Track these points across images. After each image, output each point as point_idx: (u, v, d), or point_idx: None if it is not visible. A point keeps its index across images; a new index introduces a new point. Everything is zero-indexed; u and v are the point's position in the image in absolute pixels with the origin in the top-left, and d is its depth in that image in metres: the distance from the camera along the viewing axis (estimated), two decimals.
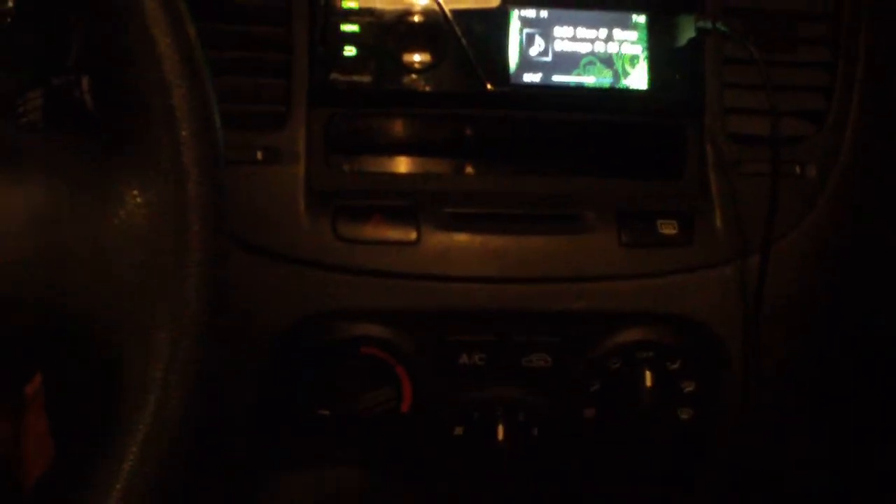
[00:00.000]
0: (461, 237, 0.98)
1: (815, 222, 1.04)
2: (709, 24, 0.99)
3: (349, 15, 0.97)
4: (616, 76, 1.01)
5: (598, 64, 1.01)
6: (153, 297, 0.55)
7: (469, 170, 1.06)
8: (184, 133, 0.56)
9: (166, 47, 0.55)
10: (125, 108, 0.56)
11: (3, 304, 0.52)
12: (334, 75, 0.97)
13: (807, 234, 1.04)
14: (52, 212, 0.53)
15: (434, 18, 0.98)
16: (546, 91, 1.01)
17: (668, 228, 1.00)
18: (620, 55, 1.01)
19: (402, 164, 1.05)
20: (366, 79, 0.98)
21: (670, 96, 1.03)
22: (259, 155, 0.95)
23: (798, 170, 1.04)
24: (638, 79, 1.01)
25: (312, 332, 0.98)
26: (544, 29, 1.00)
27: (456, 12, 0.98)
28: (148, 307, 0.55)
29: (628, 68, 1.01)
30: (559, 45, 1.01)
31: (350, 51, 0.97)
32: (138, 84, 0.55)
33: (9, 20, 0.84)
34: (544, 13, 1.00)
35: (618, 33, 1.01)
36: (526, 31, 1.00)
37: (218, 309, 0.58)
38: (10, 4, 0.85)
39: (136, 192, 0.55)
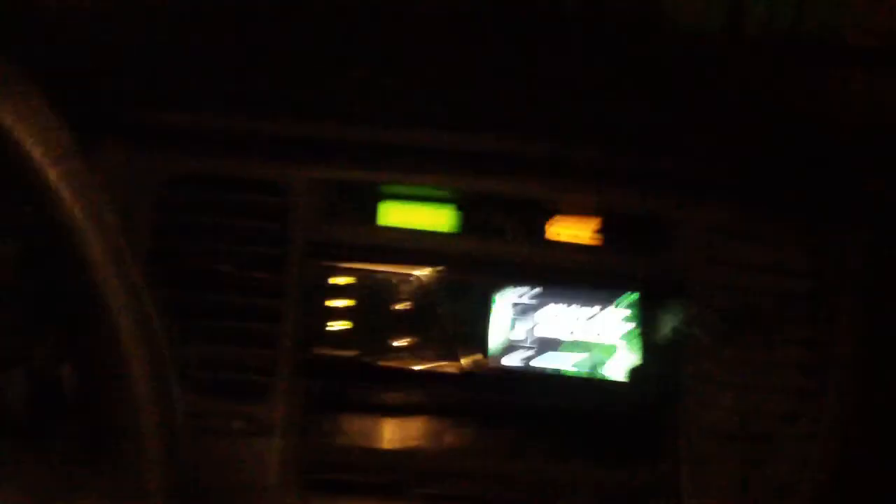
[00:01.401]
0: None
1: None
2: (684, 326, 1.02)
3: (337, 292, 1.01)
4: (595, 365, 1.03)
5: (579, 351, 1.03)
6: None
7: (446, 448, 1.05)
8: (150, 452, 0.56)
9: (136, 356, 0.56)
10: (100, 419, 0.57)
11: None
12: (320, 349, 1.00)
13: None
14: None
15: (420, 299, 1.01)
16: (525, 375, 1.02)
17: None
18: (601, 344, 1.03)
19: (380, 438, 1.05)
20: (349, 354, 1.00)
21: (648, 388, 1.04)
22: (237, 425, 0.97)
23: (770, 469, 1.04)
24: (617, 369, 1.03)
25: None
26: (527, 314, 1.03)
27: (442, 294, 1.01)
28: None
29: (608, 357, 1.03)
30: (540, 331, 1.03)
31: (336, 326, 1.00)
32: (111, 401, 0.56)
33: None
34: (528, 299, 1.03)
35: (599, 323, 1.03)
36: (509, 315, 1.02)
37: None
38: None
39: None
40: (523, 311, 1.03)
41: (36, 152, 0.54)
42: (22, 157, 0.54)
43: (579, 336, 1.03)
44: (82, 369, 0.57)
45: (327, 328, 1.00)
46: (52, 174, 0.54)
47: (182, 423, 0.58)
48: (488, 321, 1.02)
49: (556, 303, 1.04)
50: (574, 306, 1.04)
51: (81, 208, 0.55)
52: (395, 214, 1.06)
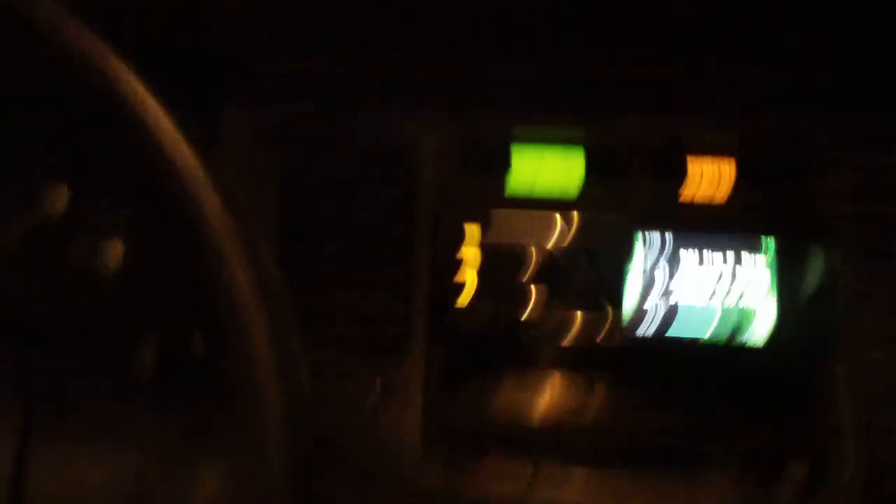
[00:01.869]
0: (578, 472, 0.97)
1: None
2: (836, 264, 0.96)
3: (467, 255, 0.99)
4: (738, 328, 0.99)
5: (719, 315, 0.99)
6: None
7: (584, 408, 1.03)
8: (271, 427, 0.56)
9: (258, 332, 0.56)
10: (221, 380, 0.57)
11: None
12: (452, 318, 0.99)
13: None
14: (139, 488, 0.55)
15: (552, 264, 0.99)
16: (661, 347, 0.99)
17: (797, 473, 0.96)
18: (741, 307, 0.99)
19: (518, 398, 1.03)
20: (481, 322, 0.99)
21: (799, 336, 0.99)
22: (374, 397, 0.96)
23: None
24: (765, 322, 0.98)
25: None
26: (665, 271, 0.99)
27: (573, 258, 0.99)
28: None
29: (755, 307, 0.98)
30: (680, 294, 0.99)
31: (467, 295, 0.99)
32: (232, 366, 0.56)
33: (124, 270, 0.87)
34: (667, 249, 0.99)
35: (740, 281, 0.98)
36: (643, 286, 0.99)
37: None
38: (121, 252, 0.88)
39: (221, 476, 0.55)
40: (657, 277, 0.99)
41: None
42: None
43: (716, 301, 0.99)
44: (207, 334, 0.58)
45: (459, 296, 0.99)
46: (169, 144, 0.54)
47: (307, 389, 0.58)
48: (622, 289, 0.99)
49: (692, 260, 0.99)
50: (710, 263, 0.99)
51: (199, 176, 0.55)
52: (527, 160, 1.01)
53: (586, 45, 0.96)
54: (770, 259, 0.98)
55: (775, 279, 0.98)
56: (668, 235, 0.98)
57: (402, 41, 0.96)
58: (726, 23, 0.90)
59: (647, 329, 0.98)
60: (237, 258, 0.55)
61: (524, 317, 0.98)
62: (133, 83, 0.54)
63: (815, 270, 0.98)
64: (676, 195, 1.00)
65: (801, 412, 1.00)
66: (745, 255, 0.98)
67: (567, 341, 0.99)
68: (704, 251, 0.98)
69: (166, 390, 0.84)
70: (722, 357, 0.99)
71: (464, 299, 0.99)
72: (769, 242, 0.98)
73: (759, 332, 0.98)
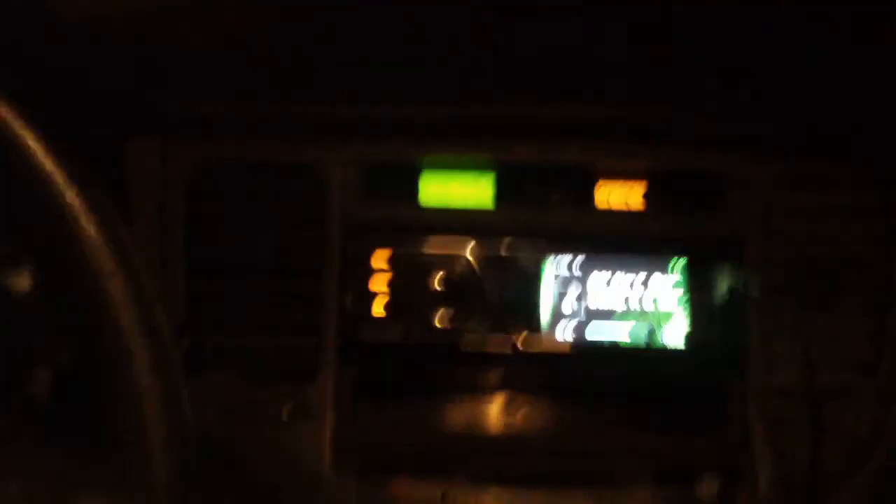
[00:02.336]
0: (489, 494, 0.96)
1: (866, 482, 0.99)
2: (740, 285, 0.97)
3: (379, 273, 0.98)
4: (652, 333, 0.98)
5: (634, 320, 0.98)
6: None
7: (498, 424, 1.02)
8: (155, 446, 0.56)
9: (139, 354, 0.56)
10: (107, 405, 0.57)
11: None
12: (363, 333, 0.98)
13: (856, 495, 0.99)
14: None
15: (464, 277, 0.98)
16: (579, 349, 0.99)
17: (708, 488, 0.97)
18: (657, 310, 0.99)
19: (432, 418, 1.02)
20: (394, 337, 0.98)
21: (710, 351, 0.99)
22: (285, 413, 0.95)
23: (847, 424, 1.00)
24: (676, 334, 0.98)
25: None
26: (577, 286, 0.98)
27: (487, 270, 0.98)
28: None
29: (665, 323, 0.98)
30: (593, 302, 0.98)
31: (379, 309, 0.97)
32: (115, 391, 0.56)
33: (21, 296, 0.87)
34: (577, 270, 0.98)
35: (654, 289, 0.98)
36: (558, 288, 0.98)
37: None
38: (27, 282, 0.88)
39: (108, 498, 0.55)
40: (572, 282, 0.99)
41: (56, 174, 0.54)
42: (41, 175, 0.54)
43: (632, 304, 0.99)
44: (90, 369, 0.58)
45: (371, 312, 0.98)
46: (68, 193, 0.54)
47: (189, 417, 0.58)
48: (537, 295, 0.98)
49: (606, 271, 0.99)
50: (625, 274, 0.99)
51: (92, 222, 0.55)
52: (436, 187, 1.02)
53: (493, 85, 0.98)
54: (681, 280, 0.99)
55: (686, 300, 0.99)
56: (579, 258, 0.99)
57: (302, 83, 0.97)
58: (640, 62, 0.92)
59: (565, 334, 0.98)
60: (115, 280, 0.56)
61: (438, 326, 0.98)
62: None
63: (724, 290, 0.99)
64: (587, 218, 1.01)
65: (714, 427, 1.01)
66: (656, 275, 0.99)
67: (484, 347, 0.99)
68: (616, 273, 0.99)
69: (52, 420, 0.83)
70: (640, 364, 0.99)
71: (375, 313, 0.98)
72: (679, 263, 0.99)
73: (677, 334, 0.99)
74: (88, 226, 0.55)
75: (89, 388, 0.59)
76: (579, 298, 0.99)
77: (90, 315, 0.56)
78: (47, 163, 0.54)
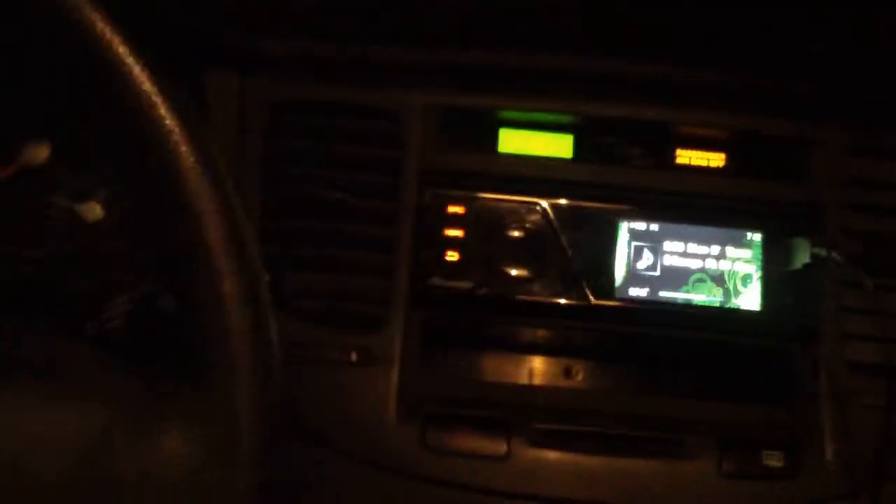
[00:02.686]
0: (552, 455, 0.94)
1: None
2: (823, 251, 0.95)
3: (454, 221, 0.97)
4: (727, 295, 0.97)
5: (709, 281, 0.97)
6: None
7: (566, 383, 1.02)
8: (242, 381, 0.55)
9: (232, 292, 0.55)
10: (192, 340, 0.56)
11: None
12: (435, 280, 0.96)
13: None
14: (104, 442, 0.52)
15: (540, 228, 0.96)
16: (652, 307, 0.97)
17: (773, 460, 0.95)
18: (732, 274, 0.97)
19: (499, 372, 1.02)
20: (466, 285, 0.96)
21: (783, 320, 0.98)
22: (353, 357, 0.94)
23: None
24: (750, 300, 0.97)
25: None
26: (653, 243, 0.97)
27: (563, 222, 0.97)
28: None
29: (740, 288, 0.97)
30: (668, 260, 0.97)
31: (452, 256, 0.96)
32: (204, 325, 0.55)
33: (101, 227, 0.87)
34: (654, 226, 0.97)
35: (730, 251, 0.97)
36: (634, 244, 0.97)
37: None
38: (100, 213, 0.88)
39: (190, 431, 0.54)
40: (650, 240, 0.97)
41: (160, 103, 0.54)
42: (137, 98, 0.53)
43: (709, 265, 0.98)
44: (180, 297, 0.57)
45: (444, 259, 0.96)
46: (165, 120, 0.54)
47: (278, 353, 0.57)
48: (613, 251, 0.97)
49: (683, 231, 0.98)
50: (702, 235, 0.98)
51: (192, 153, 0.54)
52: (515, 142, 1.01)
53: (576, 39, 0.96)
54: (758, 245, 0.97)
55: (763, 265, 0.97)
56: (656, 216, 0.98)
57: (389, 30, 0.96)
58: (725, 25, 0.90)
59: (638, 291, 0.97)
60: (212, 217, 0.55)
61: (511, 275, 0.96)
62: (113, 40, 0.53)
63: (801, 258, 0.97)
64: (666, 176, 1.01)
65: (783, 398, 1.00)
66: (734, 238, 0.97)
67: (556, 301, 0.96)
68: (694, 234, 0.98)
69: (134, 348, 0.83)
70: (712, 326, 0.98)
71: (449, 260, 0.96)
72: (755, 236, 0.97)
73: (753, 299, 0.97)
74: (188, 154, 0.54)
75: (177, 318, 0.58)
76: (655, 256, 0.97)
77: (183, 245, 0.56)
78: (152, 89, 0.54)
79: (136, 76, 0.53)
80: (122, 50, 0.53)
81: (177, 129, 0.54)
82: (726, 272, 0.97)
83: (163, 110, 0.53)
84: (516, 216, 0.97)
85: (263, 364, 0.56)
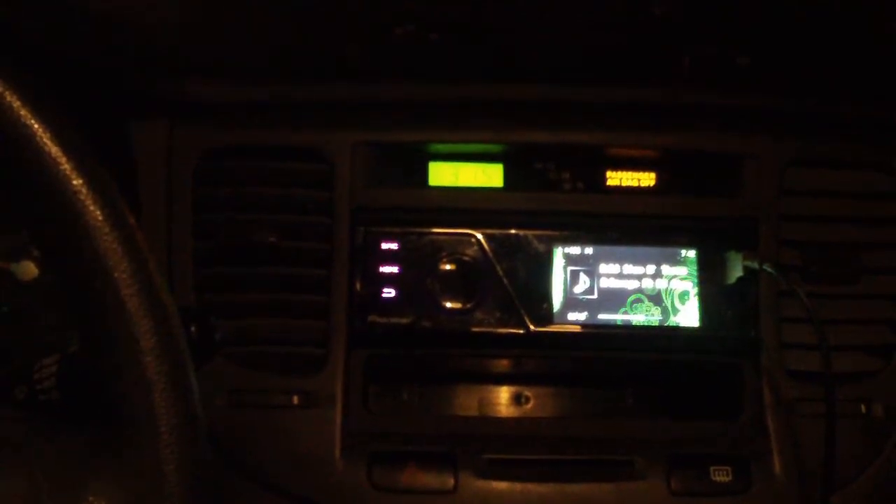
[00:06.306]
0: (501, 485, 0.94)
1: (882, 468, 0.98)
2: (756, 264, 0.95)
3: (389, 257, 0.97)
4: (665, 314, 0.97)
5: (646, 301, 0.97)
6: None
7: (517, 411, 1.02)
8: (164, 436, 0.55)
9: (147, 347, 0.55)
10: (115, 397, 0.56)
11: None
12: (373, 317, 0.96)
13: (872, 482, 0.98)
14: None
15: (475, 259, 0.96)
16: (592, 331, 0.97)
17: (722, 475, 0.95)
18: (669, 292, 0.98)
19: (447, 405, 1.02)
20: (405, 320, 0.96)
21: (723, 334, 0.98)
22: (295, 400, 0.94)
23: (863, 409, 0.98)
24: (688, 316, 0.97)
25: None
26: (589, 266, 0.97)
27: (497, 252, 0.97)
28: None
29: (678, 305, 0.97)
30: (605, 283, 0.97)
31: (389, 293, 0.96)
32: (124, 382, 0.55)
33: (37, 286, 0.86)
34: (589, 250, 0.97)
35: (666, 269, 0.98)
36: (570, 269, 0.97)
37: None
38: (34, 271, 0.87)
39: (117, 493, 0.54)
40: (585, 263, 0.98)
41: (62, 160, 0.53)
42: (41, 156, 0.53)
43: (646, 285, 0.98)
44: (99, 355, 0.57)
45: (381, 295, 0.96)
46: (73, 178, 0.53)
47: (199, 405, 0.57)
48: (549, 277, 0.97)
49: (617, 251, 0.98)
50: (637, 254, 0.98)
51: (99, 208, 0.54)
52: (445, 175, 1.01)
53: (501, 69, 0.97)
54: (694, 261, 0.98)
55: (699, 281, 0.98)
56: (590, 239, 0.98)
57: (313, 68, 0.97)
58: (648, 41, 0.91)
59: (577, 315, 0.97)
60: (122, 275, 0.55)
61: (448, 308, 0.96)
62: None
63: (738, 272, 0.97)
64: (599, 198, 1.01)
65: (728, 412, 1.00)
66: (669, 256, 0.98)
67: (495, 331, 0.97)
68: (629, 253, 0.98)
69: (63, 411, 0.82)
70: (653, 346, 0.98)
71: (385, 297, 0.96)
72: (690, 253, 0.98)
73: (691, 315, 0.98)
74: (95, 212, 0.54)
75: (98, 377, 0.58)
76: (591, 279, 0.98)
77: (98, 303, 0.55)
78: (54, 149, 0.54)
79: (43, 140, 0.53)
80: (23, 112, 0.53)
81: (83, 189, 0.54)
82: (663, 291, 0.98)
83: (68, 169, 0.53)
84: (451, 249, 0.97)
85: (185, 416, 0.56)
